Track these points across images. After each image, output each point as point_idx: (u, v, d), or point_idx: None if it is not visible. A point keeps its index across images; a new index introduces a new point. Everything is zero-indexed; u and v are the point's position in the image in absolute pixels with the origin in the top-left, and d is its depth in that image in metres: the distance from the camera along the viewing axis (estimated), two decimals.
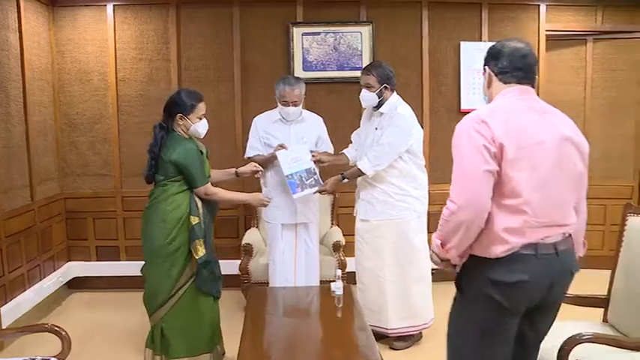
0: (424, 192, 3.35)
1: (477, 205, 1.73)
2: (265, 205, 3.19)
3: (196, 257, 2.83)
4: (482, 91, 2.03)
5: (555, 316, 2.00)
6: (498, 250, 1.75)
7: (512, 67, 1.88)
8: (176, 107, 2.86)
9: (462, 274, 1.89)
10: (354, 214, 3.46)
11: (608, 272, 2.57)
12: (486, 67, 1.95)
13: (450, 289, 2.04)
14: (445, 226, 1.80)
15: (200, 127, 2.90)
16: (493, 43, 1.98)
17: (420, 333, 3.45)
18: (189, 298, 2.89)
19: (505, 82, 1.89)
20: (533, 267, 1.75)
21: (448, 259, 1.86)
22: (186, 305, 2.89)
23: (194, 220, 2.83)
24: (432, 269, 3.40)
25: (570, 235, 1.88)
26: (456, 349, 1.96)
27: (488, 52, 1.96)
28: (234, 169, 3.26)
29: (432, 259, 1.95)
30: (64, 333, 2.32)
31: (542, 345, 2.20)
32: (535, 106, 1.87)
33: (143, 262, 3.00)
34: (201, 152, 2.92)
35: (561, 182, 1.81)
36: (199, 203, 2.89)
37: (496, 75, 1.91)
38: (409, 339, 3.40)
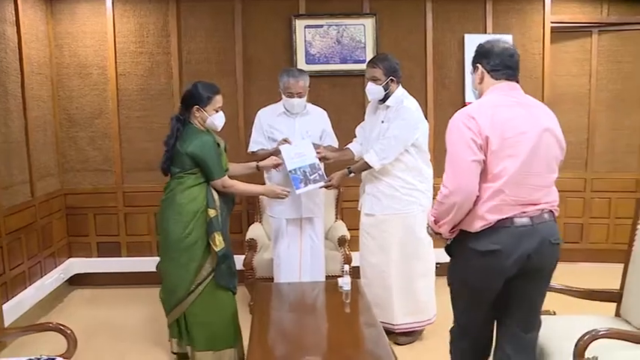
0: (429, 186, 3.32)
1: (466, 190, 1.99)
2: (282, 198, 3.15)
3: (216, 250, 2.80)
4: (472, 87, 2.25)
5: (543, 289, 2.17)
6: (477, 225, 2.02)
7: (503, 65, 2.10)
8: (192, 99, 2.84)
9: (452, 244, 2.18)
10: (359, 209, 3.43)
11: (613, 265, 2.55)
12: (478, 64, 2.15)
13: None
14: (440, 207, 2.07)
15: (217, 119, 2.88)
16: (481, 42, 2.19)
17: (423, 327, 3.43)
18: (210, 293, 2.86)
19: (496, 79, 2.12)
20: (507, 239, 2.00)
21: (440, 233, 2.15)
22: (207, 301, 2.86)
23: (212, 212, 2.81)
24: (437, 263, 3.37)
25: (551, 210, 2.09)
26: (452, 302, 2.27)
27: (479, 51, 2.17)
28: (255, 163, 3.25)
29: (427, 231, 2.25)
30: (69, 332, 2.28)
31: (557, 342, 2.18)
32: (522, 100, 2.09)
33: (158, 258, 2.97)
34: (218, 145, 2.89)
35: (540, 167, 2.03)
36: (216, 196, 2.86)
37: (488, 72, 2.12)
38: (413, 333, 3.38)
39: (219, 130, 2.93)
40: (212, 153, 2.79)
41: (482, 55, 2.14)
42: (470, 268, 2.09)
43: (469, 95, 4.50)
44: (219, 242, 2.79)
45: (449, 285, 2.25)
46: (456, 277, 2.20)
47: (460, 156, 1.99)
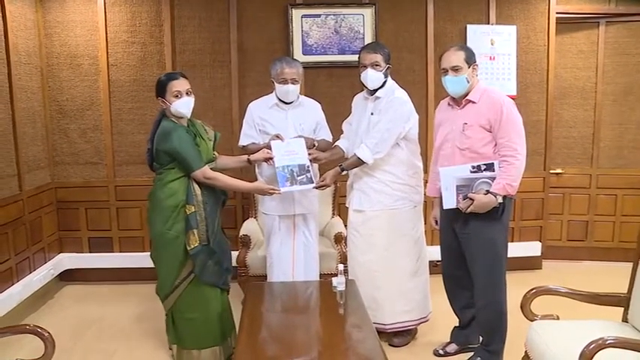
0: (420, 181, 3.21)
1: None
2: (271, 194, 3.03)
3: (189, 249, 2.74)
4: (465, 80, 2.76)
5: None
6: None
7: None
8: (156, 92, 2.81)
9: (506, 202, 2.71)
10: (347, 205, 3.32)
11: (619, 264, 2.43)
12: (477, 64, 2.81)
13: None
14: (518, 171, 2.66)
15: (179, 105, 2.76)
16: (468, 46, 2.89)
17: (416, 328, 3.33)
18: (195, 290, 2.83)
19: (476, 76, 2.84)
20: None
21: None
22: (192, 297, 2.84)
23: (189, 209, 2.74)
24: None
25: None
26: (496, 265, 2.81)
27: (472, 52, 2.81)
28: (246, 156, 3.14)
29: (489, 204, 2.65)
30: (46, 334, 2.16)
31: (559, 350, 2.07)
32: None
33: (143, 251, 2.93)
34: (195, 136, 2.82)
35: None
36: (198, 191, 2.78)
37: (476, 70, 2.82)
38: (407, 334, 3.28)
39: (187, 116, 2.83)
40: (185, 144, 2.72)
41: (474, 56, 2.81)
42: (507, 225, 2.84)
43: None
44: (193, 241, 2.73)
45: (493, 252, 2.76)
46: (503, 237, 2.80)
47: (522, 130, 2.71)
